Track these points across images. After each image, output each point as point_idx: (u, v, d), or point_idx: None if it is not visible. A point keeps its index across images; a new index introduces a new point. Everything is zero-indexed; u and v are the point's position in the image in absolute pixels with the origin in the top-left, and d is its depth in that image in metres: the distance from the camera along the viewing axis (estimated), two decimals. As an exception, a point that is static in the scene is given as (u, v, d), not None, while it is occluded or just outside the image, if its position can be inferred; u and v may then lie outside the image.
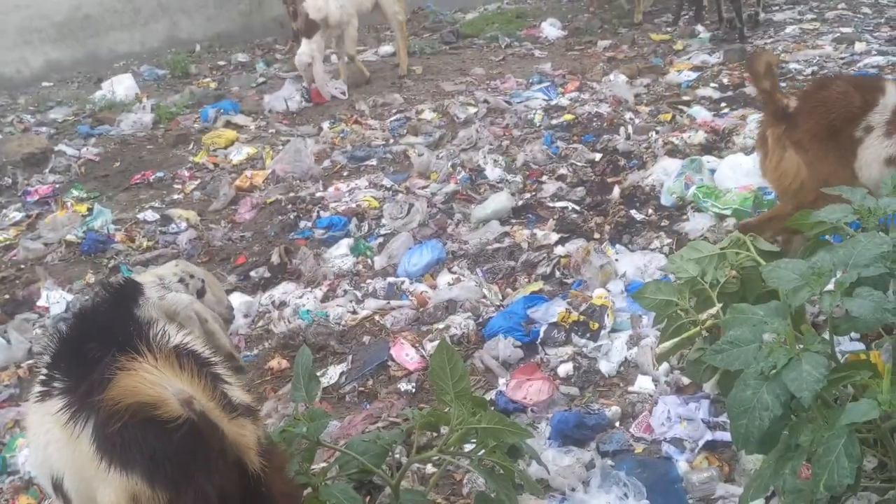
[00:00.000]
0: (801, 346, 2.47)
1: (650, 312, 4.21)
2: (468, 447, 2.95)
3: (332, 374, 4.35)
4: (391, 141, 7.81)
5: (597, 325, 4.27)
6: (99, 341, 2.12)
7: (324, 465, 3.23)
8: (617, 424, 3.73)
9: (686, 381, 3.82)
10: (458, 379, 2.68)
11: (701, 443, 3.45)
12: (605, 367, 4.08)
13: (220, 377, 2.08)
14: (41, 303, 5.41)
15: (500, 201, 5.85)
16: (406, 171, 7.01)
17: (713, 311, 3.24)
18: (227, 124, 8.56)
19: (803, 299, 2.57)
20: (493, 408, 3.64)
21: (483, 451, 2.73)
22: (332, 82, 9.43)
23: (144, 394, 1.82)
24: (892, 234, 2.62)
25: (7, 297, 5.61)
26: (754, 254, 3.30)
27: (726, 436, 3.44)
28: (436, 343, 4.39)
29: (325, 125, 8.46)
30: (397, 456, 3.21)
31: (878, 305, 2.42)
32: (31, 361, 4.82)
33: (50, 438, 2.13)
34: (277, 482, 2.10)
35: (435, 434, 3.45)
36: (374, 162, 7.33)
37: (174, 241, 6.24)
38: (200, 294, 2.82)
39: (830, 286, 2.57)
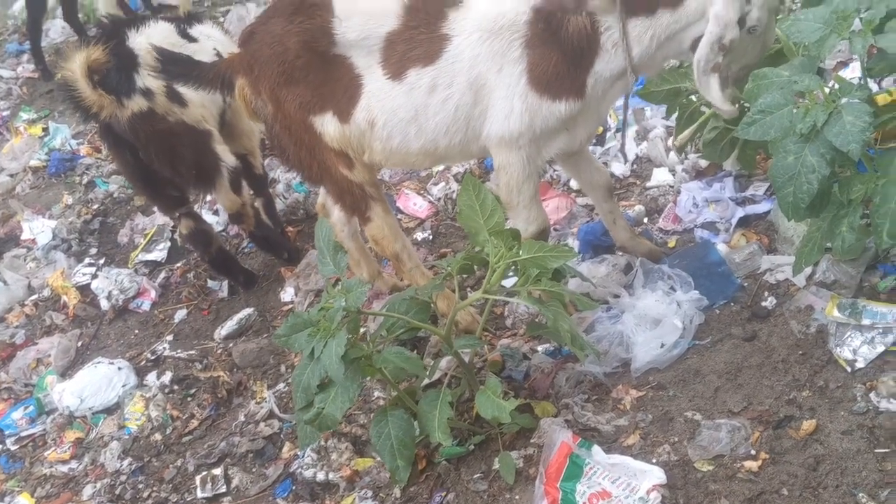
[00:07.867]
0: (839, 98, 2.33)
1: (652, 105, 4.06)
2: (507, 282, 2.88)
3: (344, 239, 4.22)
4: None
5: (601, 129, 4.10)
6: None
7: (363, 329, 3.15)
8: (644, 222, 3.64)
9: (704, 163, 3.71)
10: (490, 214, 2.54)
11: (734, 221, 3.37)
12: (619, 168, 3.95)
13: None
14: (26, 236, 5.18)
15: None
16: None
17: (727, 84, 3.07)
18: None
19: (831, 47, 2.41)
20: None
21: (527, 282, 2.62)
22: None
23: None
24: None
25: (-13, 239, 5.37)
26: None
27: (758, 209, 3.37)
28: (440, 186, 4.25)
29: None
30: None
31: (915, 36, 2.26)
32: (34, 297, 4.65)
33: None
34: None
35: (465, 276, 3.37)
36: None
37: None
38: None
39: (857, 27, 2.40)
